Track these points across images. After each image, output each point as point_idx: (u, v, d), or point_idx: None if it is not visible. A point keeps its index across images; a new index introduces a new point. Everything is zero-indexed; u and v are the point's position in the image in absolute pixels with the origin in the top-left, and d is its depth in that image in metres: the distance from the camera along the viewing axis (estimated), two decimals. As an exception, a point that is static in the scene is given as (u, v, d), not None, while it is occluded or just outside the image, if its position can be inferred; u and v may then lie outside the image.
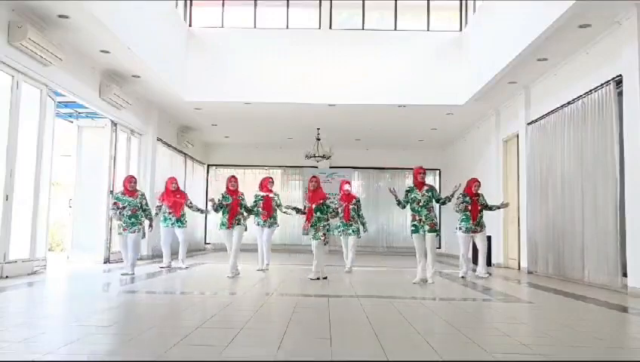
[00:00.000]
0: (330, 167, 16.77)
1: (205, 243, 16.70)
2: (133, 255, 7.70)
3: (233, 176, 8.03)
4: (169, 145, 13.18)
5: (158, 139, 12.20)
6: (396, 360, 2.99)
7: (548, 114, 8.96)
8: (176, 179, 9.38)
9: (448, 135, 14.79)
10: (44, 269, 7.79)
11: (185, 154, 14.69)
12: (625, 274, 6.64)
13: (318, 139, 14.00)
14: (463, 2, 11.86)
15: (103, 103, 9.45)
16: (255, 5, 12.11)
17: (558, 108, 8.60)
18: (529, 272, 9.34)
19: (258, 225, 8.93)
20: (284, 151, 16.93)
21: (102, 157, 10.05)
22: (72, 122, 10.28)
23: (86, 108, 9.47)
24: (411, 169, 17.53)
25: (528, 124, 9.75)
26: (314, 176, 7.77)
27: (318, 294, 6.00)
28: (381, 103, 11.49)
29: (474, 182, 8.40)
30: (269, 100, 11.53)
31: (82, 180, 10.10)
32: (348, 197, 8.94)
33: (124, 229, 7.70)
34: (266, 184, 9.05)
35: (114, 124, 10.18)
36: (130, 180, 7.96)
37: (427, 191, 7.35)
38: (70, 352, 3.08)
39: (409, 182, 17.63)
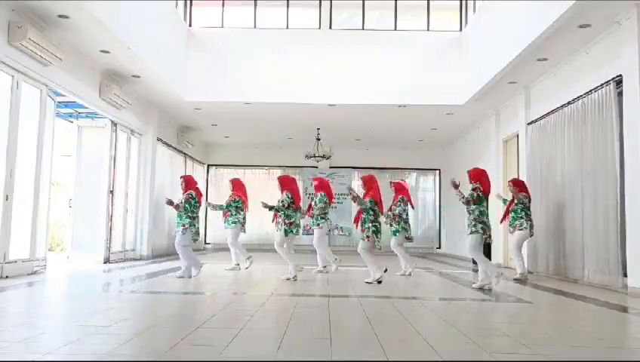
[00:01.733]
0: (330, 167, 16.77)
1: (205, 243, 16.70)
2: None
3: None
4: (169, 145, 13.18)
5: (158, 139, 12.20)
6: (396, 360, 2.99)
7: (548, 114, 8.96)
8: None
9: (448, 135, 14.79)
10: (44, 269, 7.78)
11: (185, 154, 14.69)
12: (625, 274, 6.64)
13: (318, 139, 14.01)
14: (463, 2, 11.86)
15: (103, 103, 9.45)
16: (255, 5, 12.11)
17: (558, 108, 8.60)
18: (529, 272, 9.32)
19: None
20: (284, 151, 16.93)
21: (102, 157, 10.05)
22: (72, 122, 10.28)
23: (86, 108, 9.47)
24: (411, 169, 17.67)
25: (528, 124, 9.75)
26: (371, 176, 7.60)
27: (318, 294, 6.00)
28: (381, 103, 11.49)
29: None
30: (269, 100, 11.53)
31: (82, 180, 10.10)
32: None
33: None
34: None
35: (114, 124, 10.18)
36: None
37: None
38: (70, 352, 3.08)
39: (410, 181, 17.65)
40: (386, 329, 3.99)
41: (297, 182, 9.47)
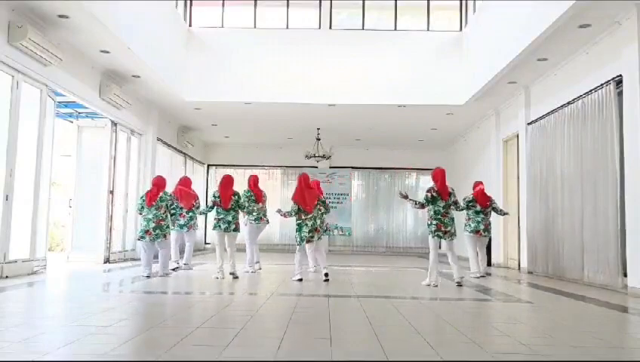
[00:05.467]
0: (330, 167, 16.76)
1: (205, 243, 16.69)
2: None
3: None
4: (169, 145, 13.18)
5: (158, 139, 12.20)
6: (396, 360, 2.99)
7: (548, 114, 8.96)
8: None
9: (448, 135, 14.79)
10: (44, 269, 7.78)
11: (185, 154, 14.69)
12: (625, 274, 6.64)
13: (318, 139, 14.01)
14: (463, 2, 11.86)
15: (103, 103, 9.45)
16: (255, 5, 12.11)
17: (558, 108, 8.60)
18: (529, 272, 9.34)
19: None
20: (284, 151, 16.93)
21: (102, 157, 10.06)
22: (72, 122, 10.29)
23: (86, 108, 9.47)
24: (411, 169, 17.69)
25: (528, 124, 9.76)
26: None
27: (318, 294, 6.00)
28: (381, 103, 11.49)
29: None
30: (269, 100, 11.53)
31: (82, 180, 10.10)
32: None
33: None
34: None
35: (114, 124, 10.18)
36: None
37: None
38: (70, 352, 3.08)
39: (410, 181, 17.66)
40: (386, 329, 3.99)
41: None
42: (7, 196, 6.91)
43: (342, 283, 7.17)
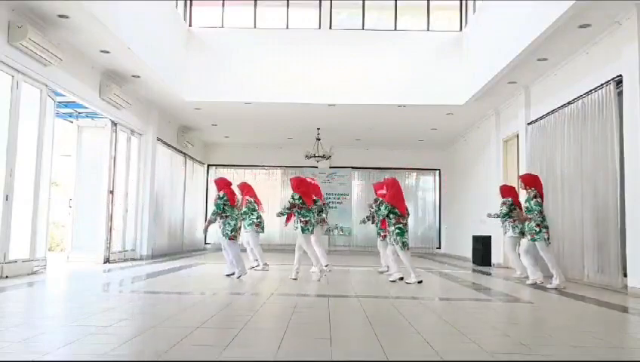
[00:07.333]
0: (330, 167, 16.77)
1: (205, 243, 16.70)
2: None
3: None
4: (169, 145, 13.19)
5: (158, 139, 12.20)
6: (396, 360, 2.99)
7: (548, 114, 8.96)
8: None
9: (448, 135, 14.79)
10: (44, 269, 7.78)
11: (185, 154, 14.69)
12: (625, 274, 6.64)
13: (318, 139, 14.01)
14: (463, 2, 11.86)
15: (103, 103, 9.45)
16: (255, 5, 12.11)
17: (558, 108, 8.60)
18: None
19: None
20: (284, 151, 16.93)
21: (102, 157, 10.06)
22: (72, 122, 10.29)
23: (86, 108, 9.47)
24: (411, 169, 17.69)
25: (528, 124, 9.76)
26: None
27: (318, 294, 6.00)
28: (381, 103, 11.50)
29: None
30: (269, 100, 11.53)
31: (82, 180, 10.10)
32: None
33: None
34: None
35: (114, 124, 10.18)
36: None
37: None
38: (70, 352, 3.08)
39: (410, 181, 17.64)
40: (386, 329, 3.99)
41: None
42: (7, 196, 6.91)
43: (342, 283, 7.17)
